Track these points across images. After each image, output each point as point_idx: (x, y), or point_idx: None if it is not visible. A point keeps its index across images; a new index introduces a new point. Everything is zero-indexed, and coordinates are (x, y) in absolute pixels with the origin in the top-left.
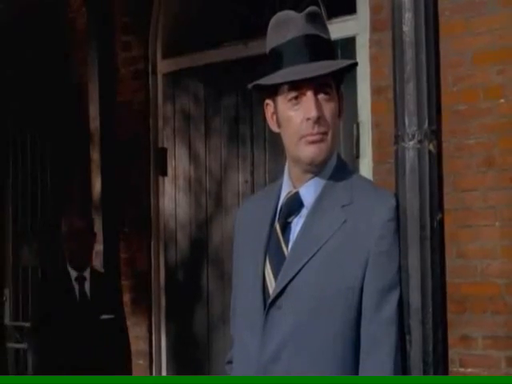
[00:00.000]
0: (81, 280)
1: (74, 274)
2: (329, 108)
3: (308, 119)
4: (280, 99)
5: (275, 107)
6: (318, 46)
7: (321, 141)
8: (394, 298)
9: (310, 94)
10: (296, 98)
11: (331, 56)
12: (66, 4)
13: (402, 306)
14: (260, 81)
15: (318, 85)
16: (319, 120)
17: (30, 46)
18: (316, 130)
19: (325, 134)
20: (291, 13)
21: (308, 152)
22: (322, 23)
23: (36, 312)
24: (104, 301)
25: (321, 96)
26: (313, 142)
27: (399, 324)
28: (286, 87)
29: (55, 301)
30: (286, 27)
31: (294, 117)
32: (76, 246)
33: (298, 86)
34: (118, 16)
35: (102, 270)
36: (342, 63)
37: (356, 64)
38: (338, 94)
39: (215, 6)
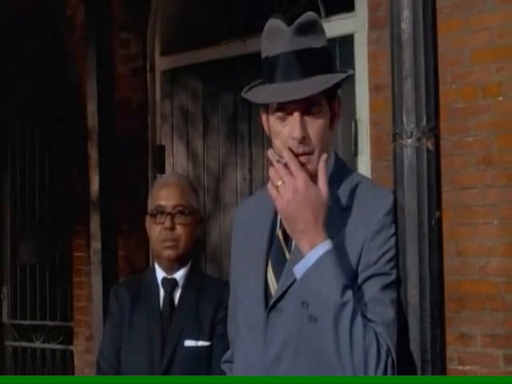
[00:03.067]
0: (169, 285)
1: (160, 274)
2: (316, 126)
3: (293, 138)
4: (270, 112)
5: (267, 117)
6: (308, 61)
7: (306, 162)
8: (374, 284)
9: (296, 114)
10: (283, 115)
11: (324, 67)
12: (64, 1)
13: (400, 303)
14: (248, 96)
15: (305, 103)
16: (304, 140)
17: (28, 44)
18: (301, 149)
19: (310, 153)
20: (280, 24)
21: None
22: (315, 31)
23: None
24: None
25: (308, 114)
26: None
27: (398, 322)
28: (274, 105)
29: (128, 309)
30: (275, 39)
31: (282, 132)
32: (164, 235)
33: (284, 107)
34: (116, 13)
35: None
36: (330, 81)
37: (349, 76)
38: (333, 103)
39: (213, 3)
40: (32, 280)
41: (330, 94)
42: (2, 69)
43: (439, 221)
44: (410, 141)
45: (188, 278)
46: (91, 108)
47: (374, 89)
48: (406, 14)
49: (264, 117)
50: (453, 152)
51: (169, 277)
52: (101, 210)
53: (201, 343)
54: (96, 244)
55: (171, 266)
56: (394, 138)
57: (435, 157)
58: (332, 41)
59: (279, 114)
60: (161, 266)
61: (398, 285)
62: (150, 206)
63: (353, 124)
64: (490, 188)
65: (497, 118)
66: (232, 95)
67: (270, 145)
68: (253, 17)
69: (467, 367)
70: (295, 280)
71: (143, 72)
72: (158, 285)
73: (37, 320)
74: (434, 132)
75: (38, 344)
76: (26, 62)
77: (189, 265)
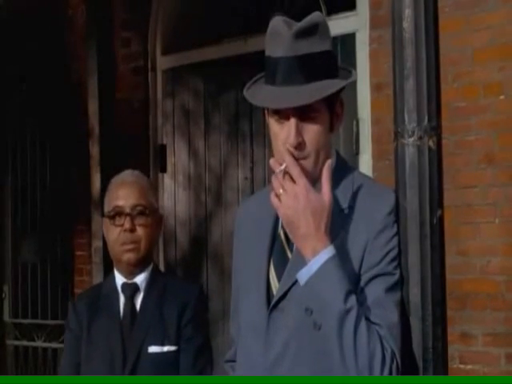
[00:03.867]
0: (129, 290)
1: (120, 280)
2: (312, 131)
3: (288, 143)
4: (268, 113)
5: (267, 115)
6: (308, 67)
7: (301, 168)
8: (379, 284)
9: (292, 119)
10: (280, 119)
11: (325, 72)
12: (65, 1)
13: (403, 302)
14: (247, 94)
15: (302, 109)
16: (299, 145)
17: (29, 43)
18: (296, 154)
19: (305, 158)
20: (281, 27)
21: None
22: (317, 35)
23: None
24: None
25: (304, 119)
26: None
27: (399, 318)
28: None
29: (87, 318)
30: (275, 42)
31: (279, 134)
32: (124, 238)
33: (280, 111)
34: (117, 12)
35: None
36: (326, 90)
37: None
38: (334, 106)
39: (215, 2)
40: (33, 279)
41: (331, 98)
42: (3, 68)
43: (441, 220)
44: (411, 140)
45: (150, 280)
46: (92, 107)
47: (376, 88)
48: (408, 12)
49: (266, 114)
50: (454, 151)
51: (129, 281)
52: (102, 208)
53: (167, 348)
54: (97, 243)
55: (131, 270)
56: (395, 136)
57: (437, 156)
58: (333, 40)
59: (276, 117)
60: (120, 270)
61: (401, 285)
62: (107, 208)
63: (354, 123)
64: (491, 187)
65: (498, 116)
66: (233, 94)
67: (271, 144)
68: (254, 16)
69: (469, 366)
70: (297, 280)
71: (144, 71)
72: (117, 291)
73: (38, 319)
74: (435, 131)
75: (39, 343)
76: (27, 61)
77: (150, 267)
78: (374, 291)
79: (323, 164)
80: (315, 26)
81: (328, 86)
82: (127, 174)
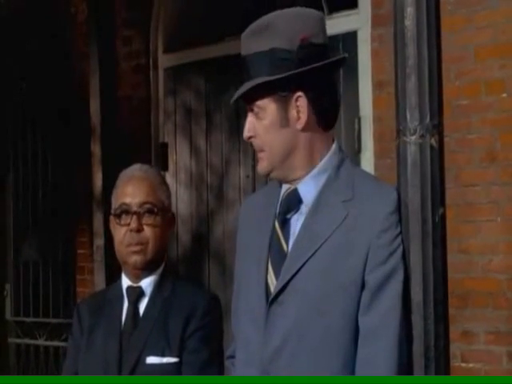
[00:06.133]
0: (133, 294)
1: (126, 283)
2: (260, 127)
3: None
4: None
5: None
6: (251, 64)
7: (260, 159)
8: (392, 289)
9: (248, 114)
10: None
11: (267, 69)
12: None
13: (406, 299)
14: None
15: (249, 105)
16: (251, 139)
17: (30, 41)
18: (255, 148)
19: (261, 151)
20: (245, 32)
21: (258, 166)
22: (267, 32)
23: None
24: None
25: (253, 115)
26: (257, 159)
27: (403, 315)
28: None
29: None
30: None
31: None
32: (129, 238)
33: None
34: (118, 10)
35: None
36: (245, 87)
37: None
38: (288, 102)
39: (216, 0)
40: (35, 277)
41: (277, 93)
42: (5, 66)
43: (443, 218)
44: (413, 138)
45: (157, 285)
46: (94, 105)
47: (378, 85)
48: (410, 10)
49: None
50: (456, 149)
51: (134, 285)
52: (104, 207)
53: (166, 360)
54: (99, 241)
55: (137, 273)
56: (397, 134)
57: (438, 154)
58: (335, 38)
59: None
60: (127, 273)
61: (406, 283)
62: (114, 205)
63: (356, 121)
64: (493, 185)
65: (500, 114)
66: (235, 92)
67: None
68: (255, 14)
69: (470, 364)
70: (296, 273)
71: (146, 69)
72: (122, 295)
73: (40, 317)
74: (437, 129)
75: (41, 341)
76: (27, 60)
77: (159, 270)
78: (392, 293)
79: (299, 160)
80: (265, 26)
81: (250, 84)
82: (136, 169)
